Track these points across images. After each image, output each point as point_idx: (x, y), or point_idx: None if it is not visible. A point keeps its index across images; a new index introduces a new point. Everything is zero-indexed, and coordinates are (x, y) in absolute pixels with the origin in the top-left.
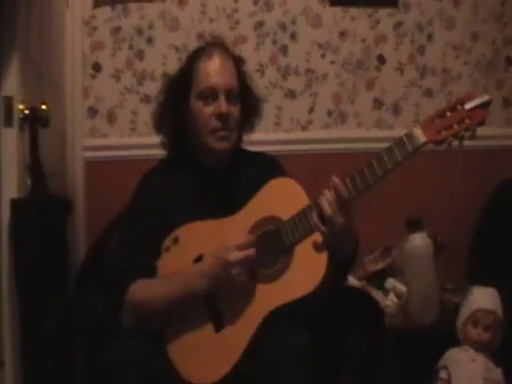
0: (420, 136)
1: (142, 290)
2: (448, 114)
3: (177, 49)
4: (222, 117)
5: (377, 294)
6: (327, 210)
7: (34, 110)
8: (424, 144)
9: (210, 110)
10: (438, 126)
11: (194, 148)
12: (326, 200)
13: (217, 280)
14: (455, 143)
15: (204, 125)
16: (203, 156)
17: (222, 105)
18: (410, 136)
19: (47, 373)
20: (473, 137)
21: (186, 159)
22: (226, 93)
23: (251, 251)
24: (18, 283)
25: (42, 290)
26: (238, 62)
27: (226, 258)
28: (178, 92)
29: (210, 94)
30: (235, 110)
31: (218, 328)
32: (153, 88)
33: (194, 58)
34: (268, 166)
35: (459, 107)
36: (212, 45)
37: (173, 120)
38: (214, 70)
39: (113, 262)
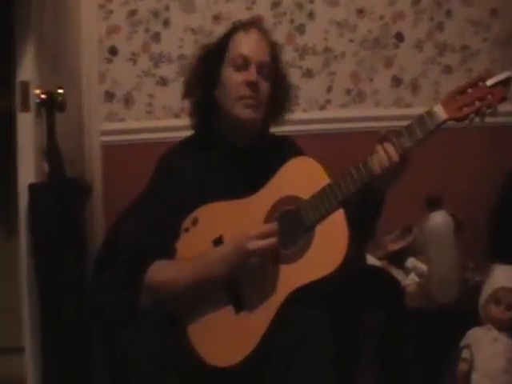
0: (441, 113)
1: (160, 271)
2: (469, 90)
3: (193, 31)
4: (251, 85)
5: (397, 274)
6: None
7: (51, 95)
8: (445, 121)
9: (240, 77)
10: (459, 102)
11: (220, 121)
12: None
13: (236, 267)
14: (476, 120)
15: (232, 91)
16: (228, 130)
17: (253, 74)
18: (430, 113)
19: (66, 357)
20: (494, 113)
21: (209, 135)
22: (258, 65)
23: (273, 240)
24: (37, 268)
25: (60, 275)
26: (274, 45)
27: (246, 246)
28: (211, 61)
29: (242, 63)
30: (265, 85)
31: (238, 309)
32: (170, 70)
33: (231, 31)
34: (290, 147)
35: (480, 84)
36: (252, 23)
37: (203, 89)
38: (248, 42)
39: (130, 243)
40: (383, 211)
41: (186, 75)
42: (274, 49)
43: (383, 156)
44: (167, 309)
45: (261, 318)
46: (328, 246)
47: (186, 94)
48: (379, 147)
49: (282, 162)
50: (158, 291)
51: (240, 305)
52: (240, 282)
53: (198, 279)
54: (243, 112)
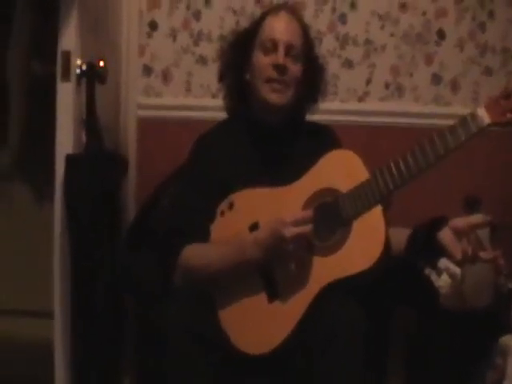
0: (484, 117)
1: (195, 254)
2: None
3: (234, 11)
4: (278, 68)
5: (430, 274)
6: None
7: (92, 66)
8: (488, 126)
9: (268, 60)
10: (503, 107)
11: (252, 104)
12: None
13: (271, 252)
14: None
15: (260, 73)
16: (260, 112)
17: (280, 56)
18: (474, 116)
19: (95, 327)
20: None
21: (244, 117)
22: (287, 47)
23: (308, 228)
24: (70, 238)
25: (93, 246)
26: (305, 27)
27: (282, 232)
28: (242, 44)
29: (271, 46)
30: (294, 68)
31: (272, 298)
32: (209, 49)
33: (261, 16)
34: (328, 137)
35: None
36: (282, 6)
37: (235, 72)
38: (278, 24)
39: (166, 223)
40: None
41: (219, 59)
42: (305, 30)
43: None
44: (200, 292)
45: (294, 309)
46: (365, 242)
47: (220, 78)
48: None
49: (318, 148)
50: (192, 274)
51: (274, 294)
52: (275, 270)
53: (232, 263)
54: (270, 96)
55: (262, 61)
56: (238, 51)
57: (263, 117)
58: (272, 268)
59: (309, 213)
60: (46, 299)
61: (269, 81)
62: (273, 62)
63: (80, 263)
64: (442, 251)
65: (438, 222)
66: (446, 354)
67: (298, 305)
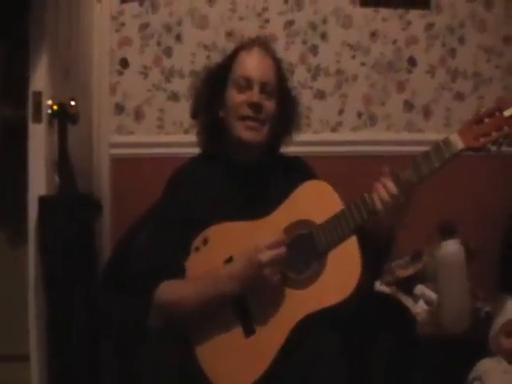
0: (458, 142)
1: (169, 290)
2: (486, 120)
3: (205, 47)
4: (253, 106)
5: (406, 301)
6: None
7: (63, 106)
8: (462, 151)
9: (242, 97)
10: (476, 132)
11: (226, 141)
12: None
13: (248, 282)
14: (493, 149)
15: (234, 111)
16: (234, 149)
17: (255, 94)
18: (447, 142)
19: (72, 369)
20: (511, 143)
21: (218, 155)
22: (261, 85)
23: (282, 249)
24: (45, 280)
25: (68, 287)
26: (278, 62)
27: (258, 258)
28: (215, 81)
29: (245, 83)
30: (269, 104)
31: (248, 332)
32: (181, 85)
33: (234, 51)
34: (302, 169)
35: (497, 114)
36: (254, 41)
37: (208, 109)
38: (251, 61)
39: (140, 261)
40: (393, 250)
41: (192, 96)
42: (278, 66)
43: (383, 192)
44: (176, 329)
45: (271, 343)
46: (341, 273)
47: (193, 115)
48: (378, 184)
49: (292, 182)
50: (167, 311)
51: (250, 328)
52: (250, 305)
53: (208, 298)
54: (245, 134)
55: (236, 99)
56: (211, 88)
57: (237, 153)
58: (247, 302)
59: (281, 235)
60: (22, 343)
61: (243, 119)
62: (247, 100)
63: (55, 305)
64: None
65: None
66: (425, 380)
67: (274, 339)
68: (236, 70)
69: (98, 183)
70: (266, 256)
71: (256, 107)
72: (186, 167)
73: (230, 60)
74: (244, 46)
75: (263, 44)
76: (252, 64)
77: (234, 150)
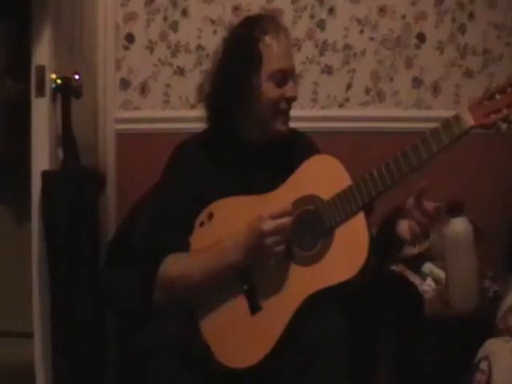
0: (468, 119)
1: (174, 264)
2: (497, 96)
3: (212, 21)
4: (291, 100)
5: (414, 278)
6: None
7: (67, 80)
8: (472, 128)
9: (279, 92)
10: (487, 109)
11: (242, 122)
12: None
13: (251, 252)
14: (504, 127)
15: (272, 107)
16: (250, 132)
17: (292, 88)
18: (457, 118)
19: (76, 345)
20: None
21: (226, 132)
22: (293, 75)
23: (286, 220)
24: (48, 255)
25: (72, 263)
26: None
27: (260, 227)
28: (244, 68)
29: (282, 77)
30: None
31: (254, 310)
32: (187, 61)
33: (256, 35)
34: (305, 143)
35: (509, 90)
36: (273, 21)
37: (230, 96)
38: (282, 52)
39: (143, 239)
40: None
41: (207, 76)
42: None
43: (414, 225)
44: (182, 305)
45: (277, 321)
46: (348, 251)
47: (202, 100)
48: (412, 222)
49: (298, 156)
50: (172, 286)
51: (256, 305)
52: (256, 282)
53: (212, 269)
54: (282, 128)
55: (274, 93)
56: (235, 75)
57: (250, 134)
58: (253, 279)
59: (287, 206)
60: (26, 320)
61: (281, 114)
62: (286, 95)
63: (59, 280)
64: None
65: (394, 216)
66: (432, 359)
67: (280, 317)
68: (270, 63)
69: (103, 159)
70: (267, 225)
71: (293, 100)
72: (190, 141)
73: (254, 45)
74: (267, 30)
75: (283, 27)
76: (284, 55)
77: (248, 131)
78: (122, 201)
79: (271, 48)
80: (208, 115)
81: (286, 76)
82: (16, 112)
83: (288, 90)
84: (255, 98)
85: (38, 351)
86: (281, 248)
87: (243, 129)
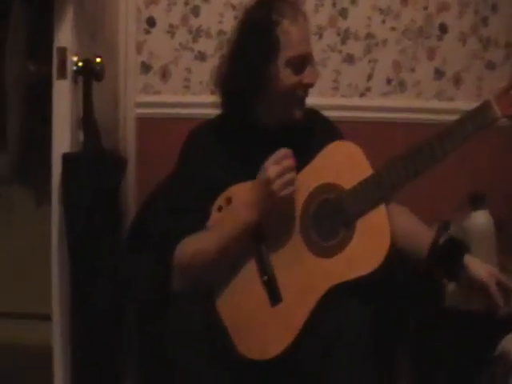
0: (494, 109)
1: (188, 244)
2: None
3: (233, 7)
4: (309, 86)
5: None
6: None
7: (88, 63)
8: (498, 119)
9: (298, 78)
10: None
11: (258, 108)
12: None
13: (263, 203)
14: None
15: (290, 93)
16: (267, 117)
17: (312, 74)
18: (484, 109)
19: (95, 330)
20: None
21: (240, 120)
22: (311, 60)
23: (289, 161)
24: (68, 238)
25: (92, 246)
26: None
27: (266, 176)
28: (261, 54)
29: (301, 63)
30: None
31: (275, 301)
32: (208, 45)
33: (274, 17)
34: (325, 128)
35: None
36: (291, 4)
37: (245, 82)
38: (301, 36)
39: (159, 226)
40: None
41: (222, 61)
42: None
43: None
44: (201, 289)
45: (298, 313)
46: (370, 243)
47: (219, 84)
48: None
49: (316, 141)
50: (190, 265)
51: (276, 297)
52: (276, 273)
53: (228, 235)
54: (298, 113)
55: (292, 80)
56: (253, 60)
57: (266, 120)
58: (273, 270)
59: (285, 149)
60: (46, 302)
61: (298, 100)
62: (304, 81)
63: (79, 264)
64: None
65: (461, 245)
66: (451, 353)
67: (301, 309)
68: (289, 48)
69: (123, 143)
70: (272, 170)
71: (310, 87)
72: (203, 127)
73: (273, 29)
74: (284, 14)
75: (301, 10)
76: (303, 39)
77: (264, 117)
78: (141, 186)
79: (289, 33)
80: (222, 100)
81: (304, 62)
82: (38, 94)
83: (306, 76)
84: (272, 84)
85: (57, 334)
86: (290, 190)
87: (258, 114)
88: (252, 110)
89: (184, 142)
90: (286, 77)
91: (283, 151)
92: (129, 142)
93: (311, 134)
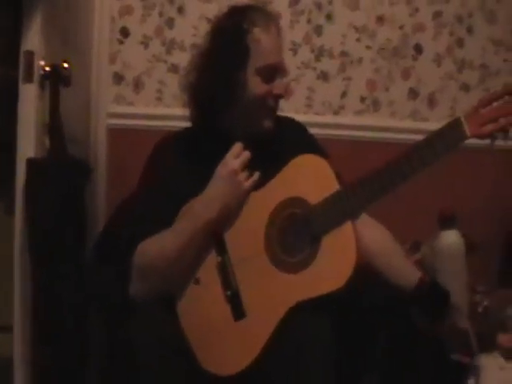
0: (463, 129)
1: (148, 244)
2: (494, 104)
3: (208, 20)
4: (279, 97)
5: None
6: None
7: (56, 68)
8: (467, 138)
9: (267, 88)
10: (483, 118)
11: (226, 121)
12: None
13: (221, 201)
14: (499, 137)
15: (259, 103)
16: (239, 130)
17: (282, 86)
18: (453, 127)
19: (57, 339)
20: None
21: (209, 129)
22: (283, 71)
23: (247, 154)
24: (31, 244)
25: (55, 254)
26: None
27: (230, 168)
28: (230, 62)
29: (270, 73)
30: None
31: (238, 317)
32: (181, 58)
33: (245, 27)
34: (298, 137)
35: (507, 98)
36: (268, 17)
37: (214, 89)
38: (272, 46)
39: (122, 235)
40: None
41: (191, 68)
42: None
43: None
44: (161, 294)
45: (262, 328)
46: (336, 260)
47: (187, 92)
48: None
49: (287, 151)
50: (148, 266)
51: (239, 312)
52: (240, 288)
53: (188, 235)
54: (267, 124)
55: (262, 89)
56: (223, 69)
57: (236, 130)
58: (236, 285)
59: (239, 144)
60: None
61: (268, 111)
62: (275, 92)
63: (41, 272)
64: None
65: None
66: (420, 373)
67: (266, 324)
68: (259, 57)
69: (94, 153)
70: (236, 163)
71: (281, 98)
72: (171, 137)
73: (244, 37)
74: (256, 22)
75: (275, 19)
76: (274, 49)
77: (234, 126)
78: (111, 195)
79: (260, 42)
80: (191, 109)
81: (274, 72)
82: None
83: (276, 86)
84: (241, 93)
85: (17, 346)
86: (255, 178)
87: (227, 123)
88: (221, 119)
89: (151, 151)
90: (256, 86)
91: (239, 145)
92: (100, 152)
93: (282, 143)
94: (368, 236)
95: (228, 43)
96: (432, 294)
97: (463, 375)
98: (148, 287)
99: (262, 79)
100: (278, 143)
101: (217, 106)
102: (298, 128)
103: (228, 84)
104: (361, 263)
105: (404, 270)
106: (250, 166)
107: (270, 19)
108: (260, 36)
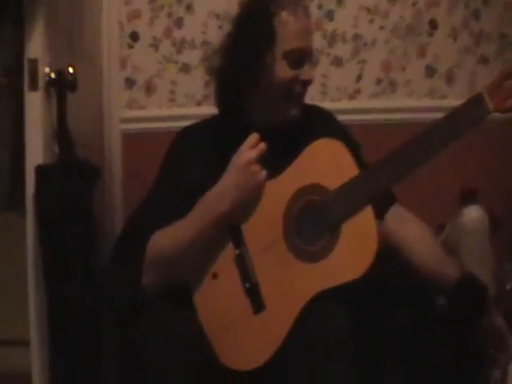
0: (486, 103)
1: (161, 235)
2: None
3: (217, 16)
4: (306, 83)
5: None
6: None
7: (61, 74)
8: (490, 112)
9: (295, 73)
10: (506, 91)
11: (252, 109)
12: None
13: (234, 192)
14: None
15: (285, 88)
16: (264, 120)
17: (310, 72)
18: (474, 102)
19: (74, 351)
20: None
21: (233, 117)
22: (310, 56)
23: (263, 145)
24: (44, 252)
25: (67, 261)
26: None
27: (245, 158)
28: (255, 45)
29: (298, 58)
30: None
31: (257, 309)
32: (192, 57)
33: (272, 7)
34: (326, 124)
35: None
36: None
37: (239, 73)
38: (300, 29)
39: (138, 229)
40: None
41: (217, 52)
42: None
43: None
44: (174, 286)
45: (282, 320)
46: (356, 248)
47: (220, 74)
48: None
49: (312, 136)
50: (160, 256)
51: (259, 305)
52: (259, 280)
53: (199, 227)
54: (293, 111)
55: (289, 74)
56: (246, 50)
57: (261, 118)
58: (255, 277)
59: (255, 135)
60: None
61: (294, 97)
62: (300, 77)
63: (54, 281)
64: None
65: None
66: (442, 354)
67: (285, 316)
68: (286, 41)
69: (109, 159)
70: (253, 153)
71: (308, 83)
72: (192, 128)
73: (270, 20)
74: (284, 5)
75: (303, 2)
76: (301, 33)
77: (258, 115)
78: (127, 200)
79: (287, 25)
80: (216, 96)
81: (302, 57)
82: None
83: (304, 72)
84: (267, 77)
85: (35, 359)
86: (265, 175)
87: (253, 113)
88: (246, 105)
89: (172, 141)
90: (282, 70)
91: (255, 135)
92: (115, 158)
93: (310, 133)
94: (409, 233)
95: (254, 26)
96: (471, 294)
97: (487, 365)
98: (159, 277)
99: (289, 64)
100: (306, 132)
101: (241, 91)
102: (326, 116)
103: (253, 68)
104: (380, 250)
105: (444, 268)
106: (273, 156)
107: (298, 2)
108: (287, 19)
